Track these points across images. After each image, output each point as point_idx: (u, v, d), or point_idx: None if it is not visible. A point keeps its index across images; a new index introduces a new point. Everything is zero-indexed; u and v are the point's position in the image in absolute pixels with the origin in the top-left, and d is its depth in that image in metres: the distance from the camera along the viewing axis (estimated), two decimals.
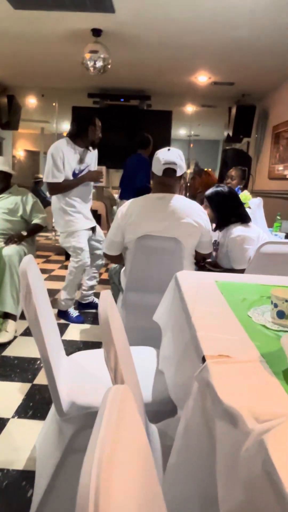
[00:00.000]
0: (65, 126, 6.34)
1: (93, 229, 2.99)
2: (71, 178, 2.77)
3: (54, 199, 2.85)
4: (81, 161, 2.81)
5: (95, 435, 0.39)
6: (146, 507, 0.42)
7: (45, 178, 2.76)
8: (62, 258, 5.32)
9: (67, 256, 5.28)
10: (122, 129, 5.16)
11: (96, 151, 2.94)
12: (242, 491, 0.59)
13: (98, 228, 3.08)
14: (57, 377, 1.13)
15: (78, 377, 1.28)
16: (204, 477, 0.77)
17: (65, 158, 2.71)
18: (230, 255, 2.16)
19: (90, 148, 2.85)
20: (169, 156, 1.97)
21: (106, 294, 0.87)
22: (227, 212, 2.22)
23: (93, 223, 2.98)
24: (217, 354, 0.84)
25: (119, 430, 0.41)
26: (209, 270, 2.24)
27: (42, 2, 2.94)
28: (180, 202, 1.98)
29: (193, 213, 1.96)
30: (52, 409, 1.51)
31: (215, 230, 2.29)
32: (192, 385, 0.84)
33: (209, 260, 2.30)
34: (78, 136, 2.79)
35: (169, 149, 1.98)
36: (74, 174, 2.79)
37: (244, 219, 2.21)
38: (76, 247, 2.82)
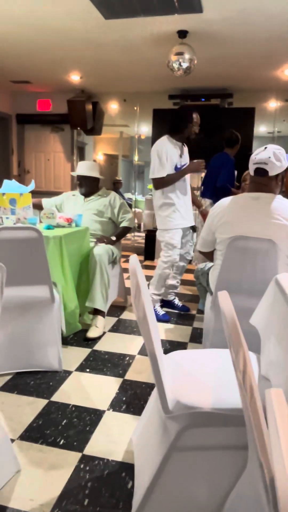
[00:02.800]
0: (145, 129, 6.47)
1: (193, 229, 3.05)
2: (174, 172, 2.85)
3: (156, 196, 2.93)
4: (181, 156, 2.88)
5: (274, 435, 0.38)
6: None
7: (151, 174, 2.86)
8: (141, 258, 5.44)
9: (146, 257, 5.40)
10: (203, 129, 5.11)
11: (186, 147, 2.99)
12: None
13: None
14: (162, 374, 1.15)
15: (179, 376, 1.29)
16: None
17: (168, 154, 2.81)
18: None
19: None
20: (262, 155, 1.91)
21: (225, 295, 0.86)
22: None
23: (190, 222, 3.00)
24: None
25: None
26: None
27: (131, 10, 3.03)
28: (277, 202, 1.90)
29: None
30: (149, 405, 1.54)
31: None
32: None
33: None
34: (176, 132, 2.87)
35: (265, 148, 1.92)
36: (176, 169, 2.87)
37: None
38: (169, 243, 2.88)
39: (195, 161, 2.89)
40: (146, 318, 1.11)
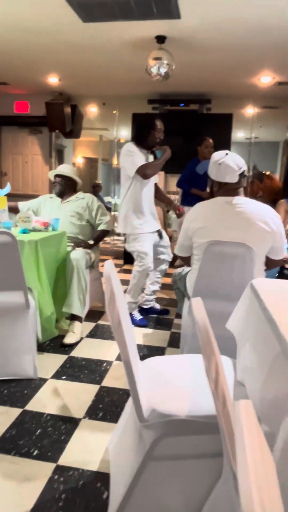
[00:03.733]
0: (124, 133, 6.47)
1: (159, 234, 3.01)
2: (141, 179, 2.82)
3: (123, 203, 2.89)
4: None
5: (241, 450, 0.37)
6: None
7: (132, 169, 2.75)
8: (121, 262, 5.42)
9: (125, 260, 5.38)
10: (182, 134, 5.15)
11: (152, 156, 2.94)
12: None
13: (164, 233, 3.08)
14: (137, 382, 1.13)
15: (155, 383, 1.28)
16: None
17: (138, 154, 2.79)
18: None
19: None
20: (239, 160, 1.94)
21: (199, 302, 0.85)
22: None
23: (158, 226, 2.98)
24: None
25: (261, 443, 0.39)
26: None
27: (110, 14, 3.02)
28: (251, 206, 1.92)
29: (266, 217, 1.89)
30: (125, 413, 1.52)
31: None
32: None
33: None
34: (141, 140, 2.85)
35: (227, 154, 1.94)
36: None
37: None
38: (140, 251, 2.84)
39: (162, 147, 2.84)
40: (121, 325, 1.09)
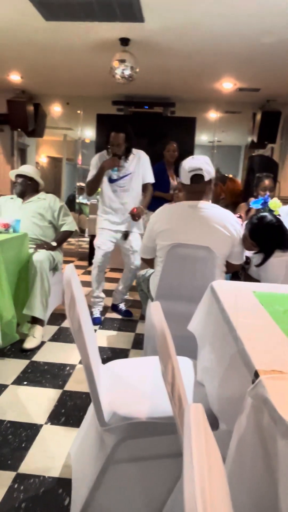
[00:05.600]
0: (89, 133, 6.43)
1: (124, 235, 3.05)
2: (107, 182, 2.99)
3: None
4: (116, 169, 2.91)
5: (188, 457, 0.38)
6: None
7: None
8: (85, 263, 5.37)
9: (90, 262, 5.32)
10: (146, 136, 5.19)
11: (141, 155, 3.04)
12: None
13: (134, 237, 3.06)
14: (98, 387, 1.13)
15: (117, 387, 1.28)
16: (258, 495, 0.76)
17: (98, 165, 2.95)
18: (262, 275, 2.11)
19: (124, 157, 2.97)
20: (194, 163, 1.98)
21: (157, 306, 0.87)
22: (273, 245, 2.06)
23: (120, 227, 3.03)
24: (270, 369, 0.82)
25: (209, 450, 0.40)
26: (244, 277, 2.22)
27: (73, 13, 2.99)
28: (213, 211, 1.97)
29: (226, 223, 1.94)
30: (87, 417, 1.51)
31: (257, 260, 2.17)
32: (243, 400, 0.83)
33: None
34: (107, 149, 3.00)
35: (193, 157, 1.99)
36: (111, 181, 2.97)
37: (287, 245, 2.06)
38: (95, 244, 3.05)
39: (108, 159, 2.91)
40: (81, 330, 1.08)
